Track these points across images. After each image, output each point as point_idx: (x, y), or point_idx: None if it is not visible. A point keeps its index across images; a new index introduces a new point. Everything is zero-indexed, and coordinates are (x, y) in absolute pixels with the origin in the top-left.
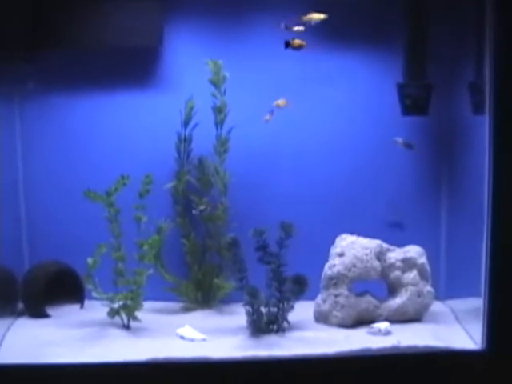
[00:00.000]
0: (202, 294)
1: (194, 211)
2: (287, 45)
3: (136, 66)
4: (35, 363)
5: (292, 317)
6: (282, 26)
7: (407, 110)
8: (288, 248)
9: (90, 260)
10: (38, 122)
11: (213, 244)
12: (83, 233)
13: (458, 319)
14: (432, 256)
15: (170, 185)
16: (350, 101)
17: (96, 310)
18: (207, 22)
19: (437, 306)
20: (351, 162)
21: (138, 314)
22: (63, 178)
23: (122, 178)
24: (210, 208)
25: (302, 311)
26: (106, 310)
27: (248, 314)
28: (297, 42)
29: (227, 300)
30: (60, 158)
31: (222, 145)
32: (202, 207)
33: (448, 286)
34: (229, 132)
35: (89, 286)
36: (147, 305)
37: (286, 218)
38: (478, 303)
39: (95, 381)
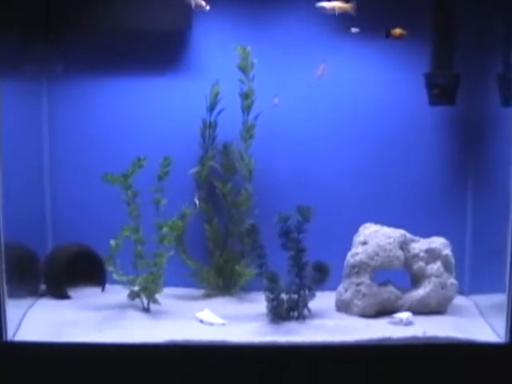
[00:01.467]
0: (223, 281)
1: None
2: (388, 34)
3: (163, 50)
4: (53, 341)
5: (313, 305)
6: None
7: (434, 99)
8: (306, 232)
9: (112, 242)
10: (65, 104)
11: (235, 230)
12: (105, 215)
13: (481, 313)
14: (457, 250)
15: (193, 170)
16: (378, 91)
17: (117, 293)
18: (235, 8)
19: (460, 300)
20: (379, 151)
21: (158, 297)
22: (88, 160)
23: (139, 159)
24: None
25: (324, 300)
26: (127, 292)
27: (268, 299)
28: (398, 30)
29: (249, 288)
30: (85, 139)
31: (247, 131)
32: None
33: (472, 281)
34: (255, 118)
35: (110, 268)
36: (168, 290)
37: (310, 205)
38: (502, 298)
39: (112, 361)
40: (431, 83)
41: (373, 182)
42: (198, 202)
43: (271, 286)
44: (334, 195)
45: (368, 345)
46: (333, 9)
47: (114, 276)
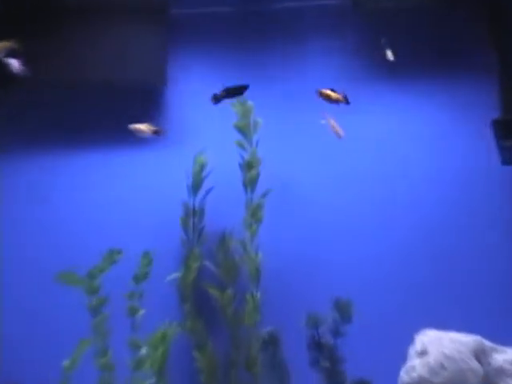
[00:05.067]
0: None
1: None
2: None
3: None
4: None
5: None
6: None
7: (507, 154)
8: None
9: (66, 362)
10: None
11: (239, 356)
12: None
13: None
14: None
15: (173, 276)
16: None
17: None
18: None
19: None
20: (433, 223)
21: None
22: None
23: (111, 253)
24: None
25: None
26: None
27: None
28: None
29: None
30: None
31: (252, 214)
32: None
33: None
34: (263, 196)
35: None
36: None
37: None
38: None
39: None
40: (502, 133)
41: (427, 268)
42: None
43: None
44: (370, 289)
45: None
46: None
47: None
